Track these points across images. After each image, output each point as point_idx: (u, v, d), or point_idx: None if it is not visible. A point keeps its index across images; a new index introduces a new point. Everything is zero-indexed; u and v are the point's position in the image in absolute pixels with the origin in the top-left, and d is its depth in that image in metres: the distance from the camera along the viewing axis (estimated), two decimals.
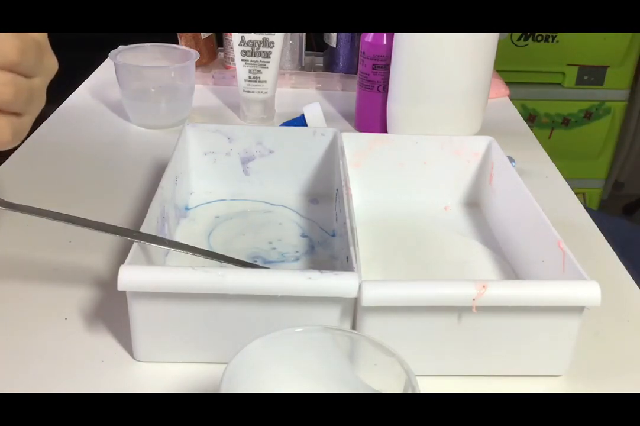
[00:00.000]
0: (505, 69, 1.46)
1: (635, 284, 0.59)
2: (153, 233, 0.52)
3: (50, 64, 0.42)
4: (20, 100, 0.39)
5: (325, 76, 1.00)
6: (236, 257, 0.55)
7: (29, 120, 0.41)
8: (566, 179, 0.77)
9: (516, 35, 1.69)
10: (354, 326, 0.47)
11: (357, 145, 0.67)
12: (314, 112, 0.79)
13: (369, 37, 0.80)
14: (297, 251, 0.61)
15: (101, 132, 0.85)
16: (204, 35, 0.99)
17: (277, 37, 0.82)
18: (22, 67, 0.39)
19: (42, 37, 0.41)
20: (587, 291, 0.45)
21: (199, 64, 0.93)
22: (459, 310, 0.46)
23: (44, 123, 0.85)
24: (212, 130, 0.67)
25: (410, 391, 0.37)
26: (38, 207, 0.51)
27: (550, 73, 1.74)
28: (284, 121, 0.83)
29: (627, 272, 0.61)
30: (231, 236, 0.63)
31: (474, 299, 0.45)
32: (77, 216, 0.51)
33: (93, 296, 0.55)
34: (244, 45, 0.82)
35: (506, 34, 1.67)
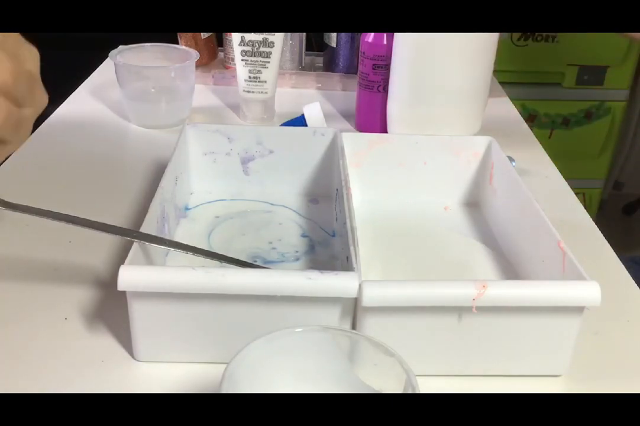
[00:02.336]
0: (505, 69, 1.46)
1: (635, 284, 0.59)
2: (153, 233, 0.52)
3: (41, 98, 0.42)
4: (7, 127, 0.39)
5: (325, 76, 1.00)
6: (236, 257, 0.55)
7: (9, 149, 0.41)
8: (566, 179, 0.77)
9: (516, 35, 1.69)
10: (354, 326, 0.47)
11: (357, 145, 0.67)
12: (314, 112, 0.79)
13: (369, 37, 0.80)
14: (297, 251, 0.61)
15: (101, 132, 0.84)
16: (204, 35, 0.99)
17: (277, 37, 0.82)
18: (15, 93, 0.39)
19: (35, 70, 0.41)
20: (587, 291, 0.45)
21: (199, 64, 0.93)
22: (459, 310, 0.46)
23: (44, 123, 0.85)
24: (212, 130, 0.67)
25: (410, 391, 0.37)
26: (38, 207, 0.51)
27: (550, 73, 1.73)
28: (284, 121, 0.83)
29: (627, 272, 0.61)
30: (231, 236, 0.63)
31: (474, 299, 0.45)
32: (77, 216, 0.51)
33: (93, 296, 0.55)
34: (244, 45, 0.82)
35: (506, 34, 1.67)
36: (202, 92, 0.95)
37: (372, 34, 0.79)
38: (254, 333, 0.40)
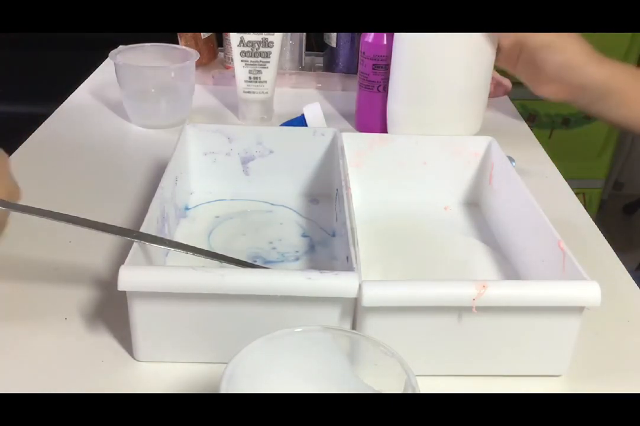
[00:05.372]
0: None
1: (636, 284, 0.59)
2: (153, 233, 0.52)
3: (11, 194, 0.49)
4: None
5: (325, 76, 1.00)
6: (236, 257, 0.55)
7: None
8: (566, 179, 0.77)
9: None
10: (354, 326, 0.47)
11: (357, 145, 0.67)
12: (314, 112, 0.79)
13: (369, 37, 0.80)
14: (297, 251, 0.61)
15: (101, 132, 0.85)
16: (204, 35, 0.99)
17: (277, 37, 0.82)
18: None
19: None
20: (587, 291, 0.45)
21: (199, 64, 0.93)
22: (459, 310, 0.46)
23: (44, 123, 0.85)
24: (212, 130, 0.67)
25: (410, 391, 0.37)
26: (38, 207, 0.51)
27: None
28: (284, 121, 0.83)
29: (627, 272, 0.61)
30: (231, 236, 0.63)
31: (474, 299, 0.45)
32: (77, 216, 0.51)
33: (93, 296, 0.55)
34: (243, 46, 0.82)
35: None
36: (202, 92, 0.95)
37: (372, 34, 0.79)
38: (254, 333, 0.40)
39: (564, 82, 0.74)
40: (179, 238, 0.61)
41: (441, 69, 0.75)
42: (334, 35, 0.98)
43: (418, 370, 0.39)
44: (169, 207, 0.59)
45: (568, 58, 0.72)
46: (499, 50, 0.76)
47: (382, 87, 0.81)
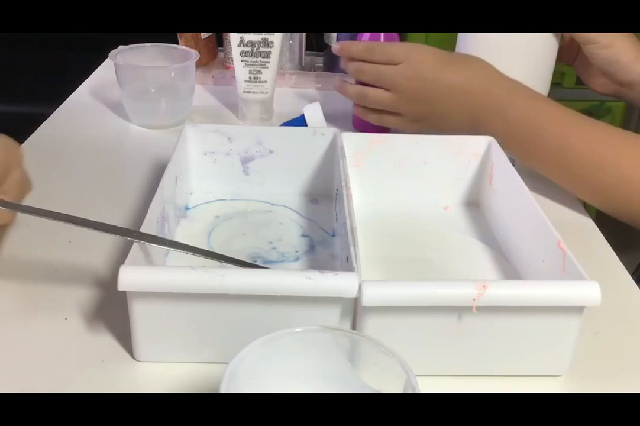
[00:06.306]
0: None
1: (636, 284, 0.59)
2: (153, 233, 0.52)
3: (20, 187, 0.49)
4: None
5: (325, 76, 1.00)
6: (236, 257, 0.55)
7: None
8: None
9: None
10: (354, 326, 0.47)
11: (357, 145, 0.67)
12: (314, 112, 0.79)
13: (365, 37, 0.80)
14: (297, 251, 0.61)
15: (101, 132, 0.84)
16: (204, 35, 0.99)
17: (277, 37, 0.82)
18: None
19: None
20: (587, 291, 0.45)
21: (199, 64, 0.93)
22: (459, 310, 0.46)
23: (44, 123, 0.85)
24: (212, 130, 0.67)
25: (410, 391, 0.37)
26: (38, 207, 0.51)
27: None
28: (284, 121, 0.83)
29: (627, 272, 0.61)
30: (231, 236, 0.63)
31: (474, 299, 0.45)
32: (77, 216, 0.51)
33: (93, 296, 0.55)
34: (243, 46, 0.82)
35: None
36: (202, 92, 0.95)
37: (369, 33, 0.79)
38: (254, 333, 0.40)
39: (611, 77, 0.76)
40: (179, 238, 0.61)
41: (506, 60, 0.76)
42: (334, 35, 0.98)
43: (418, 370, 0.39)
44: (169, 208, 0.59)
45: (615, 54, 0.73)
46: (561, 44, 0.78)
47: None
